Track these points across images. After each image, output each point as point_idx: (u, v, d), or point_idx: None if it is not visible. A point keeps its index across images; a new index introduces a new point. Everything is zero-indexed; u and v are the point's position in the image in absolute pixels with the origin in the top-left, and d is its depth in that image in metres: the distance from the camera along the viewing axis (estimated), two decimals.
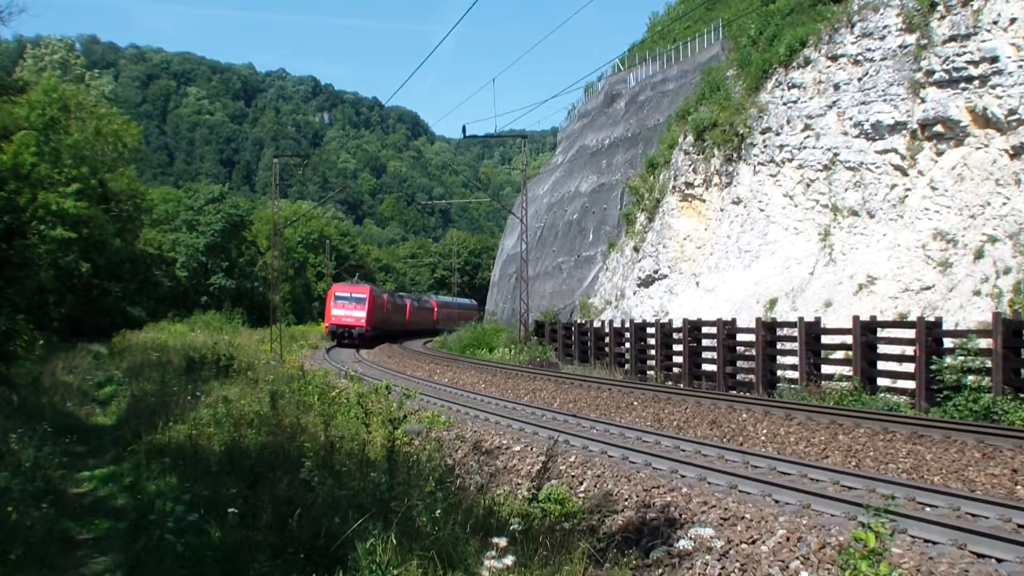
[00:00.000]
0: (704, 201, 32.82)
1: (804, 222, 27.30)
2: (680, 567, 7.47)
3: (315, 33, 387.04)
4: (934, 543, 7.48)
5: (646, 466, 11.31)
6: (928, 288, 21.50)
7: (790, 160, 28.17)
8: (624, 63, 52.20)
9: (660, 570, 7.48)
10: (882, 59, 24.85)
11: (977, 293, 19.80)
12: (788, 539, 7.51)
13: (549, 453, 10.10)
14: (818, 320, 21.06)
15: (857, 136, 25.39)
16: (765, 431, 15.14)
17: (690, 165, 33.24)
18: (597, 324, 32.87)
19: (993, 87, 21.01)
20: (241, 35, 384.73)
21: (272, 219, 50.74)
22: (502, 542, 4.73)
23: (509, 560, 4.55)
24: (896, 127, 23.99)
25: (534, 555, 6.09)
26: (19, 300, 21.22)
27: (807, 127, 27.51)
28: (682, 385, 23.89)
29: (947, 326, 18.37)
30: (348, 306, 50.91)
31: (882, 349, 18.92)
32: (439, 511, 6.89)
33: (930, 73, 22.71)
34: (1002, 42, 20.84)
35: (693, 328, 24.59)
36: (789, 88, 28.57)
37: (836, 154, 26.17)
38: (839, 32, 26.87)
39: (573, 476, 10.90)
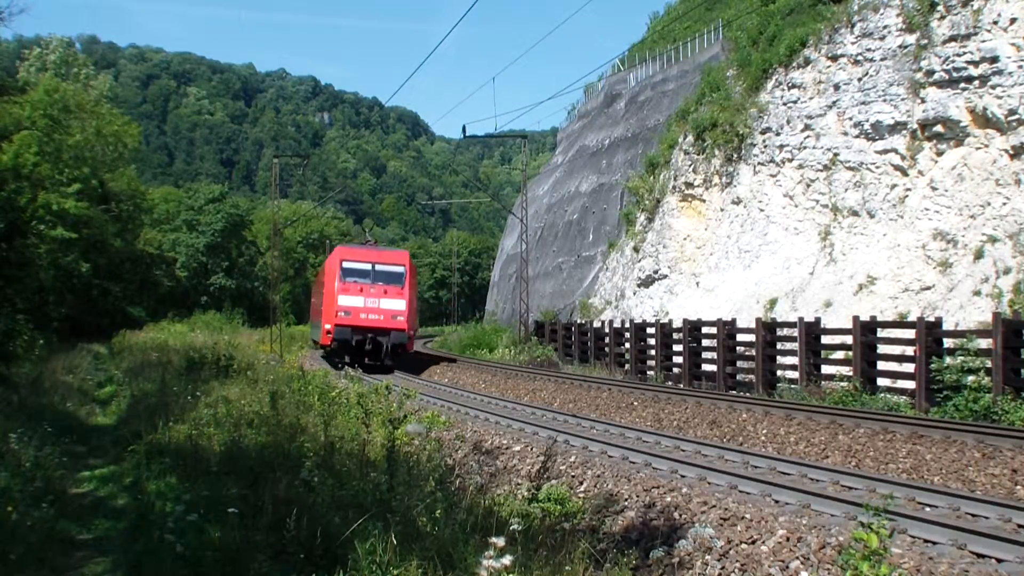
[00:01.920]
0: (704, 201, 32.81)
1: (804, 222, 27.29)
2: (680, 567, 7.47)
3: (315, 33, 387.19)
4: (934, 543, 7.47)
5: (646, 466, 11.31)
6: (928, 288, 21.49)
7: (790, 160, 28.17)
8: (624, 63, 52.19)
9: (660, 570, 7.48)
10: (882, 59, 24.84)
11: (977, 293, 19.80)
12: (788, 539, 7.51)
13: (548, 453, 10.10)
14: (818, 320, 21.05)
15: (857, 136, 25.38)
16: (765, 431, 15.14)
17: (690, 165, 33.23)
18: (597, 324, 32.87)
19: (993, 87, 21.00)
20: (241, 35, 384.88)
21: (272, 219, 50.74)
22: (500, 542, 4.72)
23: (507, 560, 4.54)
24: (896, 127, 23.98)
25: (534, 555, 6.09)
26: (19, 300, 21.22)
27: (807, 127, 27.51)
28: (682, 385, 23.89)
29: (947, 326, 18.36)
30: (371, 289, 28.36)
31: (882, 349, 18.92)
32: (439, 511, 6.89)
33: (930, 73, 22.70)
34: (1002, 42, 20.83)
35: (693, 328, 24.58)
36: (789, 88, 28.57)
37: (836, 154, 26.17)
38: (839, 32, 26.86)
39: (573, 476, 10.90)
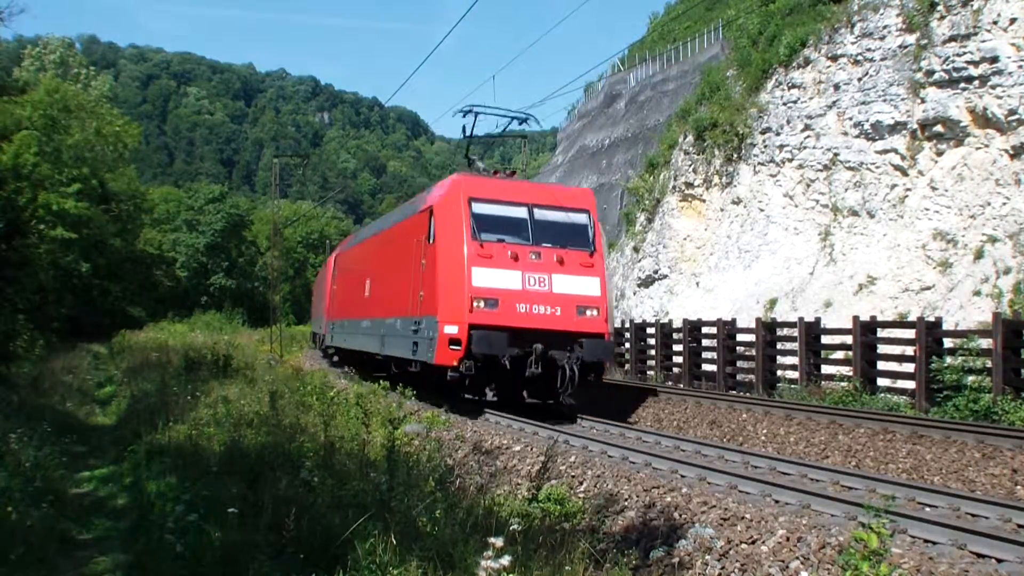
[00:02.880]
0: (704, 201, 32.81)
1: (804, 222, 27.29)
2: (680, 567, 7.47)
3: (315, 33, 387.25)
4: (934, 543, 7.47)
5: (646, 466, 11.31)
6: (928, 288, 21.49)
7: (790, 160, 28.17)
8: (624, 63, 52.20)
9: (660, 570, 7.48)
10: (882, 59, 24.84)
11: (977, 293, 19.80)
12: (788, 539, 7.50)
13: (549, 453, 10.10)
14: (818, 320, 21.05)
15: (857, 136, 25.39)
16: (765, 431, 15.14)
17: (690, 165, 33.23)
18: None
19: (993, 87, 21.00)
20: (241, 35, 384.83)
21: (272, 219, 50.72)
22: (499, 542, 4.73)
23: (506, 560, 4.55)
24: (896, 127, 23.98)
25: (534, 555, 6.09)
26: (19, 300, 21.23)
27: (807, 127, 27.51)
28: (682, 385, 23.88)
29: (947, 326, 18.36)
30: (531, 256, 15.50)
31: (882, 349, 18.91)
32: (439, 511, 6.89)
33: (930, 73, 22.70)
34: (1002, 42, 20.83)
35: (693, 328, 24.58)
36: (789, 88, 28.57)
37: (836, 154, 26.17)
38: (839, 32, 26.86)
39: (573, 476, 10.89)
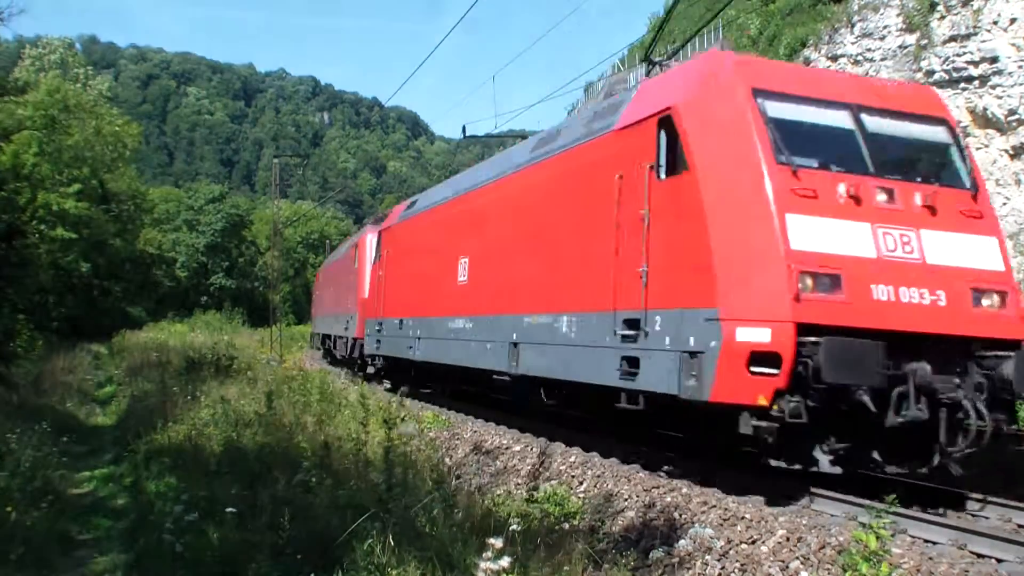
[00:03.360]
0: None
1: None
2: (680, 567, 7.46)
3: (315, 33, 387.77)
4: (934, 543, 7.47)
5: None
6: None
7: None
8: (624, 63, 52.19)
9: (659, 570, 7.48)
10: (882, 59, 24.84)
11: None
12: (788, 539, 7.49)
13: (545, 452, 10.11)
14: None
15: None
16: None
17: None
18: None
19: (993, 87, 20.99)
20: (241, 35, 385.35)
21: (272, 219, 50.75)
22: (498, 543, 4.72)
23: (505, 561, 4.54)
24: None
25: (532, 555, 6.09)
26: (19, 300, 21.21)
27: None
28: None
29: None
30: (878, 197, 8.32)
31: None
32: (437, 512, 6.89)
33: (930, 73, 22.69)
34: (1002, 42, 20.83)
35: None
36: None
37: None
38: (839, 32, 26.85)
39: (573, 476, 10.88)
